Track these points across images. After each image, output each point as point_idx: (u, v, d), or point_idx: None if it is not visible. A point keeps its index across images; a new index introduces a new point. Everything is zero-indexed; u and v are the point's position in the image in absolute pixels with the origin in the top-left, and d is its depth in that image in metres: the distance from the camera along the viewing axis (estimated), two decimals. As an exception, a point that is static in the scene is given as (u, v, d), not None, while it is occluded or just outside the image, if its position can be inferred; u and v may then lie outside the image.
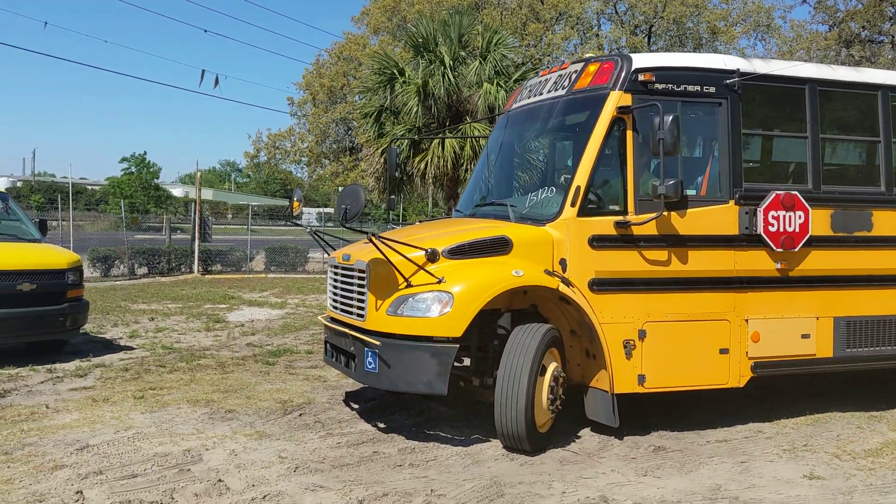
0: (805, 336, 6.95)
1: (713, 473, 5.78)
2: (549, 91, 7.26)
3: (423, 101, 15.80)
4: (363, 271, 6.36)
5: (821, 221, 6.95)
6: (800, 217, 6.81)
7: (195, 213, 23.31)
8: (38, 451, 5.93)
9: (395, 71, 16.62)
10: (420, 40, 16.83)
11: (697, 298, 6.61)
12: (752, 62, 6.98)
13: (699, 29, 33.38)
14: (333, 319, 7.07)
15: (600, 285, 6.34)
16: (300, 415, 7.12)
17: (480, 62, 16.16)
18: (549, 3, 31.70)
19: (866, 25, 30.56)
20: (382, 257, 6.10)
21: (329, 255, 7.38)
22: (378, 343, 6.07)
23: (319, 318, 7.42)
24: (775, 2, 38.98)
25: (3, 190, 12.03)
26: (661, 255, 6.48)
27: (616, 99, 6.44)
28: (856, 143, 7.58)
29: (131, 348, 10.52)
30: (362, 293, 6.39)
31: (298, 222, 8.09)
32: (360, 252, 6.57)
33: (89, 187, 65.30)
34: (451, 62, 16.05)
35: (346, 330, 6.54)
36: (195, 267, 22.52)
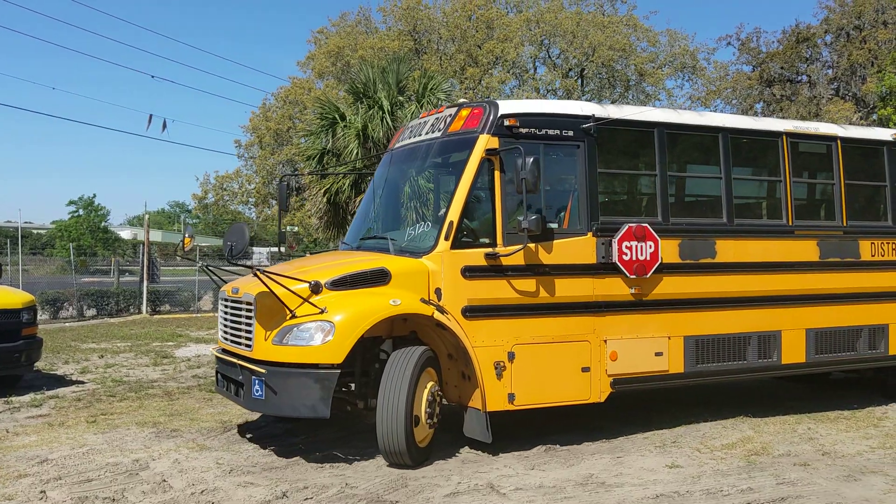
0: (658, 354, 7.72)
1: (591, 466, 6.67)
2: (426, 133, 7.85)
3: (362, 144, 16.42)
4: (250, 304, 6.73)
5: (670, 250, 7.77)
6: (650, 246, 7.60)
7: (143, 255, 23.35)
8: (3, 465, 6.59)
9: (337, 115, 17.20)
10: (360, 86, 17.50)
11: (561, 322, 7.28)
12: (606, 108, 7.78)
13: (627, 71, 35.05)
14: (224, 350, 7.37)
15: (472, 312, 6.91)
16: (237, 432, 7.73)
17: (417, 105, 16.84)
18: (486, 48, 32.79)
19: (785, 66, 32.93)
20: (268, 290, 6.49)
21: (220, 288, 7.69)
22: (264, 371, 6.44)
23: (211, 349, 7.72)
24: (699, 44, 41.21)
25: None
26: (527, 283, 7.13)
27: (485, 142, 7.08)
28: (700, 179, 8.50)
29: (83, 382, 10.97)
30: (250, 324, 6.75)
31: (190, 258, 8.34)
32: (248, 286, 6.93)
33: (35, 231, 64.58)
34: (390, 106, 16.69)
35: (235, 360, 6.87)
36: (143, 307, 22.50)
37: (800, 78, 33.38)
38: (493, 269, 6.99)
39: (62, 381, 11.02)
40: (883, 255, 9.21)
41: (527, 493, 5.92)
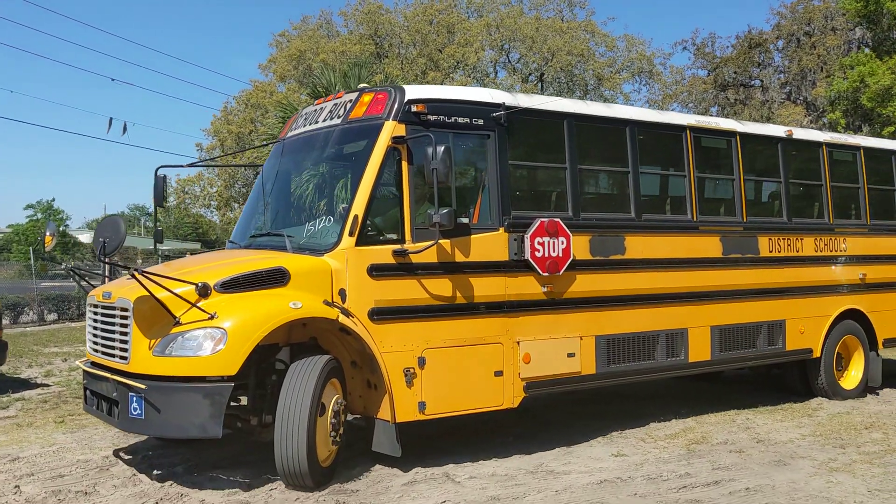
0: (571, 355, 7.39)
1: (543, 456, 6.99)
2: (324, 120, 7.20)
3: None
4: (126, 309, 5.88)
5: (581, 246, 7.46)
6: (562, 242, 7.26)
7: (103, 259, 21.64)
8: (-28, 464, 6.56)
9: None
10: (322, 90, 16.96)
11: (473, 324, 6.82)
12: (516, 97, 7.39)
13: (586, 76, 35.20)
14: (94, 364, 6.45)
15: (380, 314, 6.33)
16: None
17: None
18: (447, 52, 32.32)
19: (738, 71, 33.74)
20: (147, 294, 5.67)
21: (88, 293, 6.76)
22: (143, 387, 5.61)
23: (78, 363, 6.76)
24: (656, 49, 41.79)
25: None
26: (437, 282, 6.62)
27: (391, 129, 6.52)
28: (609, 172, 8.27)
29: (48, 385, 11.06)
30: (125, 333, 5.90)
31: (52, 254, 7.32)
32: (123, 289, 6.07)
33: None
34: None
35: (108, 374, 6.00)
36: (105, 311, 21.27)
37: (753, 82, 34.50)
38: (402, 268, 6.44)
39: (27, 384, 11.08)
40: (779, 251, 9.30)
41: (480, 480, 6.21)
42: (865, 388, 10.02)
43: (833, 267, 9.85)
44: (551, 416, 8.58)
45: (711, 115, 31.68)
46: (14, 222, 62.73)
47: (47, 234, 6.55)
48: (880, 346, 10.26)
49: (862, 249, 10.20)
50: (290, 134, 7.74)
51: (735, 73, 34.31)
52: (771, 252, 9.20)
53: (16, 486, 5.94)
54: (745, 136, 9.22)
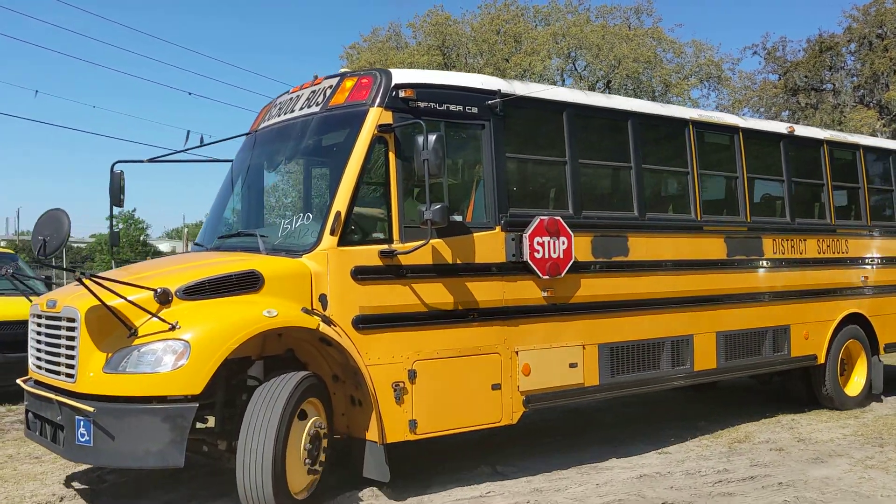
0: (573, 365, 6.75)
1: (586, 453, 7.14)
2: (301, 108, 6.49)
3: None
4: (73, 320, 5.10)
5: (583, 247, 6.83)
6: (563, 243, 6.62)
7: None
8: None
9: None
10: None
11: (468, 332, 6.14)
12: (511, 84, 6.75)
13: (653, 83, 34.25)
14: (38, 383, 5.65)
15: (366, 323, 5.63)
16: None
17: None
18: (513, 61, 31.64)
19: (809, 75, 32.98)
20: (97, 301, 4.90)
21: (31, 301, 5.96)
22: (92, 409, 4.84)
23: (19, 381, 5.94)
24: (724, 55, 40.73)
25: (11, 251, 12.57)
26: (429, 286, 5.93)
27: (376, 116, 5.84)
28: (610, 168, 7.65)
29: None
30: (72, 347, 5.12)
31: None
32: (70, 296, 5.29)
33: (75, 245, 60.40)
34: None
35: (53, 395, 5.20)
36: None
37: (824, 86, 33.72)
38: (390, 270, 5.74)
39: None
40: (783, 253, 8.80)
41: (525, 475, 6.34)
42: (868, 395, 9.60)
43: (836, 270, 9.37)
44: (597, 417, 8.91)
45: (783, 121, 31.34)
46: (97, 232, 63.54)
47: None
48: (882, 351, 9.83)
49: (863, 251, 9.77)
50: (262, 125, 7.01)
51: (806, 77, 33.56)
52: (775, 254, 8.68)
53: None
54: (748, 132, 8.71)
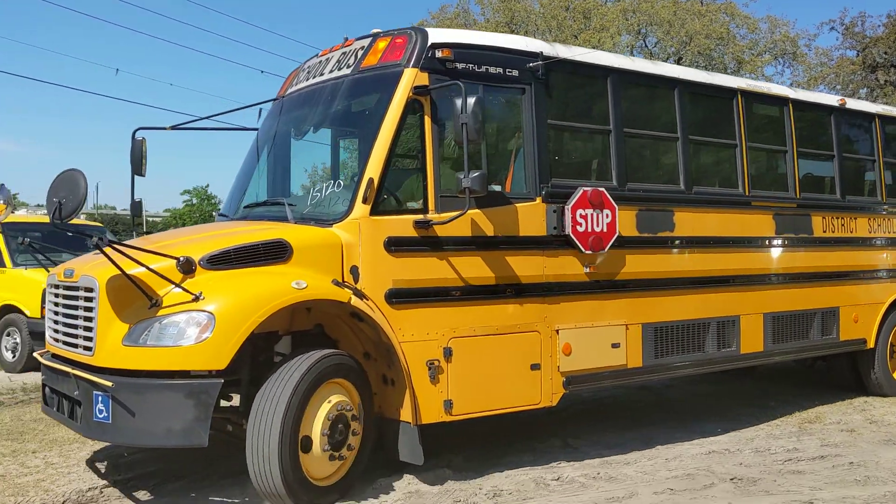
0: (615, 345, 6.39)
1: (656, 429, 7.19)
2: (331, 71, 6.14)
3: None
4: (91, 290, 4.81)
5: (627, 221, 6.45)
6: (607, 216, 6.24)
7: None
8: None
9: None
10: None
11: (506, 309, 5.80)
12: (554, 47, 6.35)
13: (725, 59, 33.38)
14: (55, 356, 5.39)
15: (399, 297, 5.30)
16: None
17: None
18: (582, 38, 30.92)
19: (889, 51, 31.74)
20: (117, 270, 4.61)
21: (49, 270, 5.69)
22: (110, 384, 4.55)
23: (35, 354, 5.67)
24: (800, 30, 39.39)
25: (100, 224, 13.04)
26: (466, 259, 5.58)
27: (411, 77, 5.47)
28: (657, 138, 7.23)
29: None
30: (89, 319, 4.83)
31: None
32: (88, 265, 5.01)
33: (150, 219, 60.70)
34: None
35: (70, 369, 4.93)
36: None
37: None
38: (426, 242, 5.40)
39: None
40: (833, 232, 8.35)
41: (595, 448, 6.47)
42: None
43: (887, 250, 8.92)
44: (667, 394, 8.98)
45: (860, 99, 30.31)
46: (171, 206, 63.94)
47: (1, 201, 5.45)
48: None
49: (916, 231, 9.28)
50: (290, 90, 6.67)
51: (886, 53, 32.11)
52: (825, 232, 8.24)
53: None
54: (798, 104, 8.25)
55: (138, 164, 6.48)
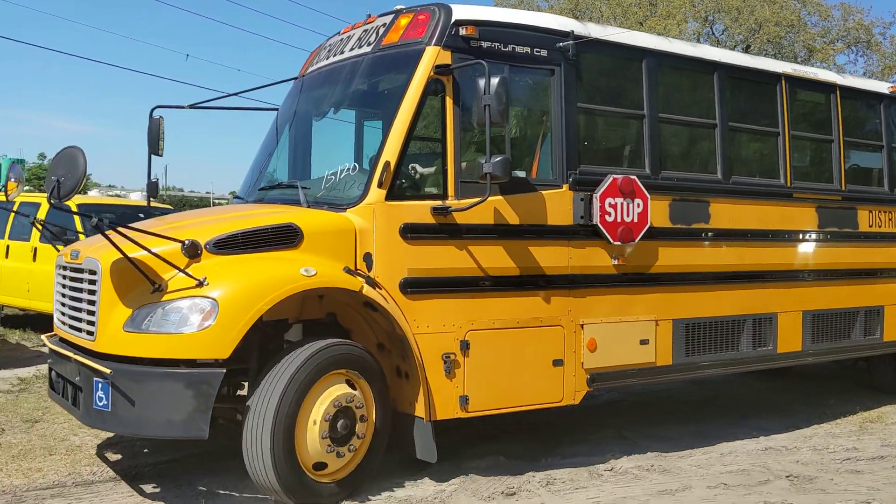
0: (644, 342, 6.08)
1: (712, 423, 7.17)
2: (351, 49, 5.89)
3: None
4: (94, 272, 4.64)
5: (659, 211, 6.12)
6: (638, 206, 5.92)
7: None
8: None
9: None
10: None
11: (528, 301, 5.52)
12: (587, 26, 6.02)
13: (795, 48, 32.40)
14: (62, 341, 5.24)
15: (415, 287, 5.05)
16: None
17: None
18: (648, 25, 30.16)
19: None
20: (120, 253, 4.42)
21: (59, 251, 5.55)
22: (108, 371, 4.38)
23: (43, 337, 5.55)
24: (875, 18, 38.17)
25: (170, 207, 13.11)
26: (486, 248, 5.31)
27: (433, 56, 5.20)
28: (694, 125, 6.85)
29: None
30: (93, 302, 4.66)
31: (12, 203, 6.09)
32: (94, 247, 4.84)
33: (215, 201, 62.51)
34: None
35: (71, 353, 4.78)
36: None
37: None
38: (444, 229, 5.14)
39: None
40: (880, 227, 7.91)
41: (650, 441, 6.39)
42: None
43: (936, 247, 8.44)
44: (724, 389, 8.85)
45: None
46: (235, 189, 66.61)
47: (12, 178, 5.32)
48: None
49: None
50: (311, 69, 6.44)
51: None
52: (871, 227, 7.81)
53: None
54: (846, 91, 7.81)
55: (155, 144, 6.31)
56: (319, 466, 4.66)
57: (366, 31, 5.86)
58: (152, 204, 7.98)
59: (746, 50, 31.64)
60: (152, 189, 6.61)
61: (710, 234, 6.49)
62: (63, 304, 5.17)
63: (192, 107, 6.73)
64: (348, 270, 4.84)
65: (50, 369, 5.37)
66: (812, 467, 5.80)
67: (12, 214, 8.10)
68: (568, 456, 5.92)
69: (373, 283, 4.90)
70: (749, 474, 5.57)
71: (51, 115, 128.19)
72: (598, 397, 7.92)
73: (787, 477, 5.50)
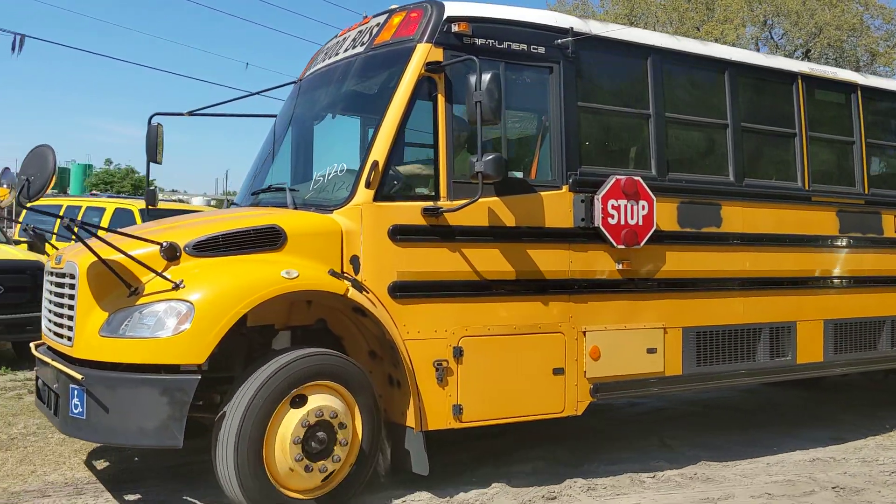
0: (651, 351, 5.81)
1: (759, 433, 7.07)
2: (346, 50, 5.78)
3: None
4: (73, 276, 4.53)
5: (667, 214, 5.87)
6: (643, 208, 5.68)
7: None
8: None
9: None
10: None
11: (526, 307, 5.30)
12: (587, 23, 5.83)
13: (857, 52, 32.08)
14: (48, 349, 5.14)
15: (404, 290, 4.86)
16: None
17: None
18: (704, 30, 30.19)
19: None
20: (96, 257, 4.31)
21: (47, 256, 5.47)
22: (80, 377, 4.25)
23: (32, 345, 5.45)
24: None
25: None
26: (480, 251, 5.12)
27: (424, 53, 5.04)
28: (703, 125, 6.60)
29: None
30: (72, 307, 4.55)
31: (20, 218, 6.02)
32: (74, 251, 4.73)
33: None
34: None
35: (50, 360, 4.67)
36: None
37: None
38: (435, 231, 4.96)
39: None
40: (907, 232, 7.55)
41: (694, 450, 6.34)
42: None
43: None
44: (772, 398, 8.80)
45: None
46: None
47: (3, 185, 5.26)
48: None
49: None
50: (309, 72, 6.33)
51: None
52: (896, 232, 7.45)
53: None
54: (868, 91, 7.50)
55: (153, 151, 6.21)
56: (292, 481, 4.45)
57: (360, 31, 5.74)
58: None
59: (806, 55, 30.75)
60: (151, 196, 6.52)
61: (721, 238, 6.21)
62: (50, 311, 5.07)
63: (191, 114, 6.64)
64: (333, 273, 4.67)
65: (37, 377, 5.26)
66: (860, 479, 5.65)
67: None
68: (611, 462, 5.87)
69: (360, 287, 4.72)
70: (794, 485, 5.46)
71: (118, 121, 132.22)
72: (642, 405, 8.01)
73: (833, 488, 5.39)
